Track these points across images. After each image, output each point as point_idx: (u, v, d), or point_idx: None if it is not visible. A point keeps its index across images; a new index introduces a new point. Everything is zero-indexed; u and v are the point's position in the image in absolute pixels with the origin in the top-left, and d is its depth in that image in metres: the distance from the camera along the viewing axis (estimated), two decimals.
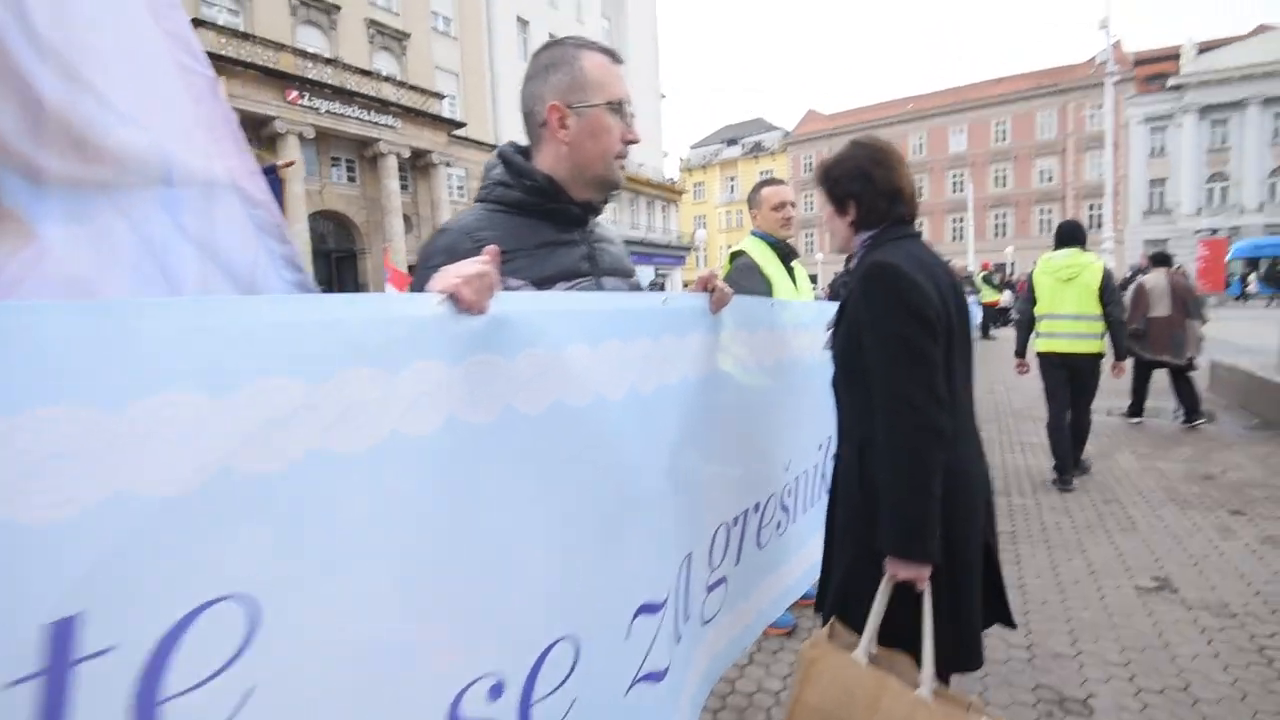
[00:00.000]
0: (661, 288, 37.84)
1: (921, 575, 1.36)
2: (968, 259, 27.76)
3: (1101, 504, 4.19)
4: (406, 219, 23.81)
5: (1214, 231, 31.24)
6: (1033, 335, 4.85)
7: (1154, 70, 38.68)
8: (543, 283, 1.21)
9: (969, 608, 1.46)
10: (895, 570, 1.38)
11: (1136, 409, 6.68)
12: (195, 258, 1.38)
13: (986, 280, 15.16)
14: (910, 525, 1.35)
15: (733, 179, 55.87)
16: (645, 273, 36.79)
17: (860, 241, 1.59)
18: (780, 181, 2.89)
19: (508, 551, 0.96)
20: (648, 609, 1.26)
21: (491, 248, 0.91)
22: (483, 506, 0.91)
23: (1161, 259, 6.61)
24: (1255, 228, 36.10)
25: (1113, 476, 4.78)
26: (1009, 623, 1.59)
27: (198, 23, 17.39)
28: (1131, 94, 38.48)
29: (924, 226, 46.03)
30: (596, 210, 1.35)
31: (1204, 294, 10.95)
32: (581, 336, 1.09)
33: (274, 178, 3.94)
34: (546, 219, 1.27)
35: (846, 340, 1.52)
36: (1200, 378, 8.36)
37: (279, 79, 19.01)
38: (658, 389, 1.28)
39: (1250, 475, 4.63)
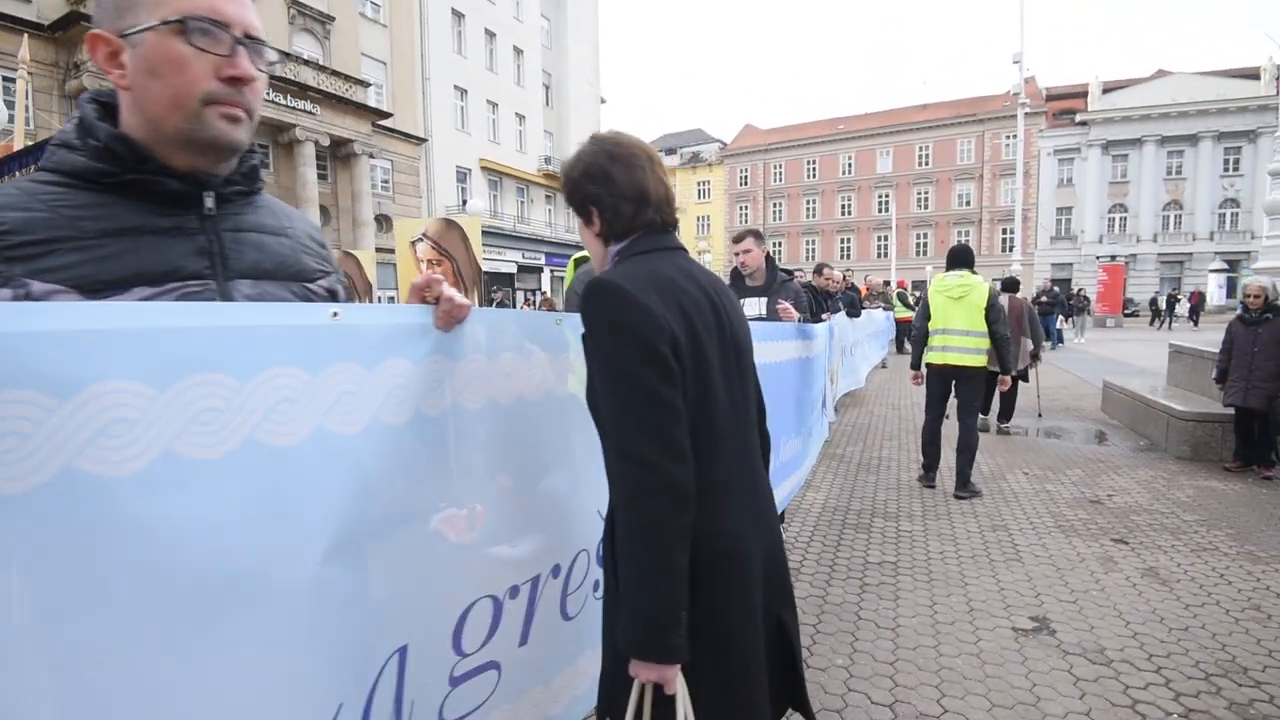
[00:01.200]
0: None
1: (666, 677, 1.04)
2: (890, 275, 28.60)
3: (989, 530, 4.07)
4: (324, 210, 22.73)
5: (1113, 258, 33.28)
6: (925, 349, 5.18)
7: (1064, 106, 41.13)
8: (106, 287, 0.81)
9: (744, 705, 1.15)
10: (637, 672, 1.05)
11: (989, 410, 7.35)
12: None
13: (900, 298, 15.57)
14: (645, 616, 1.03)
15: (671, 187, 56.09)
16: None
17: (612, 256, 1.27)
18: None
19: None
20: None
21: None
22: None
23: (1010, 285, 7.85)
24: (1149, 256, 38.87)
25: (1003, 499, 4.69)
26: (807, 714, 1.29)
27: None
28: (1043, 127, 40.77)
29: (851, 243, 47.58)
30: (212, 184, 0.93)
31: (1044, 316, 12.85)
32: (139, 369, 0.72)
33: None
34: (137, 197, 0.87)
35: (589, 381, 1.20)
36: (1094, 397, 8.66)
37: None
38: (320, 436, 0.91)
39: (1135, 500, 4.63)
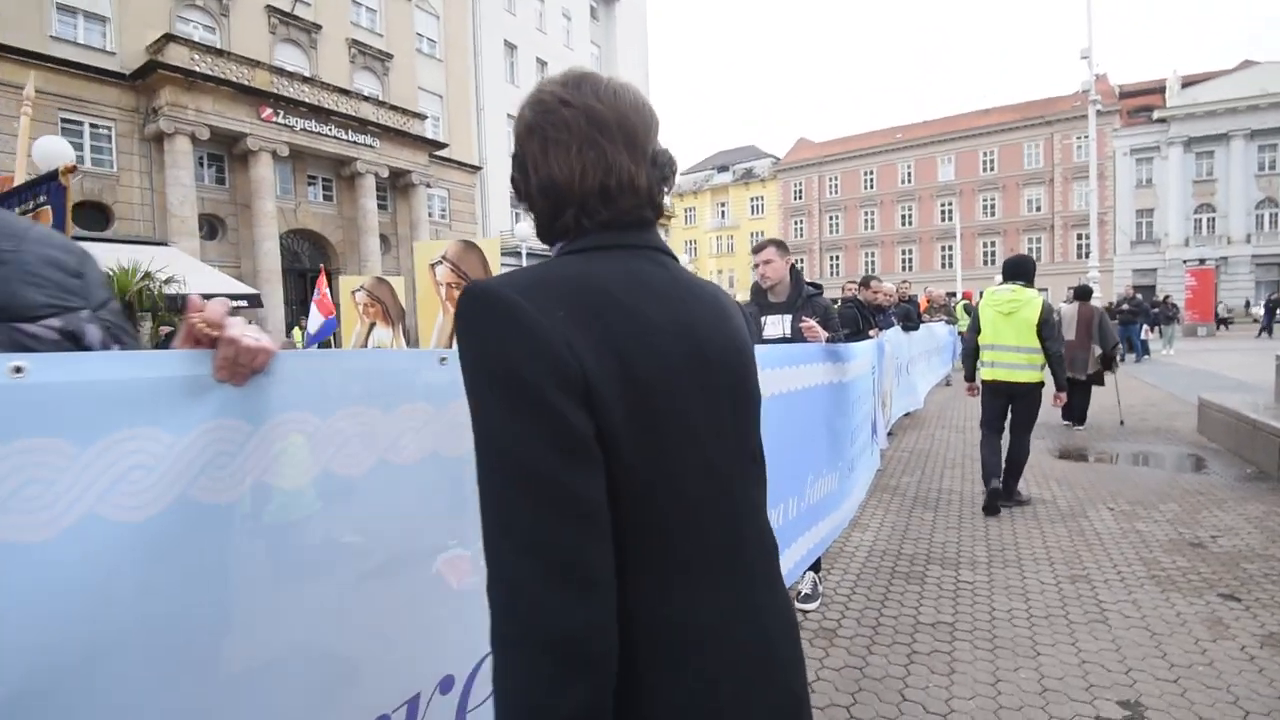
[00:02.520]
0: None
1: None
2: (956, 285, 27.24)
3: (1068, 582, 3.48)
4: (384, 239, 23.54)
5: (1201, 261, 30.89)
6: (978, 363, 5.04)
7: (1139, 103, 38.79)
8: None
9: None
10: None
11: (1068, 414, 7.64)
12: None
13: (966, 310, 14.59)
14: None
15: (723, 204, 55.74)
16: None
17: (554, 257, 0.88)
18: None
19: None
20: None
21: None
22: None
23: (1083, 293, 7.99)
24: (1242, 259, 35.93)
25: (1084, 541, 4.07)
26: None
27: (171, 38, 17.05)
28: (1117, 126, 38.54)
29: (913, 254, 45.92)
30: None
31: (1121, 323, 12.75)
32: None
33: (56, 185, 3.29)
34: None
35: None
36: (1188, 416, 7.75)
37: (253, 96, 18.64)
38: None
39: (1246, 543, 3.94)
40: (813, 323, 2.98)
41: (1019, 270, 4.90)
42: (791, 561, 2.85)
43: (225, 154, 19.45)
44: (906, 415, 8.02)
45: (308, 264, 22.14)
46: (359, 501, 0.96)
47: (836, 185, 49.62)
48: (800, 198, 51.32)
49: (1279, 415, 5.85)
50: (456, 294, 5.73)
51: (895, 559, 3.89)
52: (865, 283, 6.66)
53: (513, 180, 0.87)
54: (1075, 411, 7.71)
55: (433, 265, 5.51)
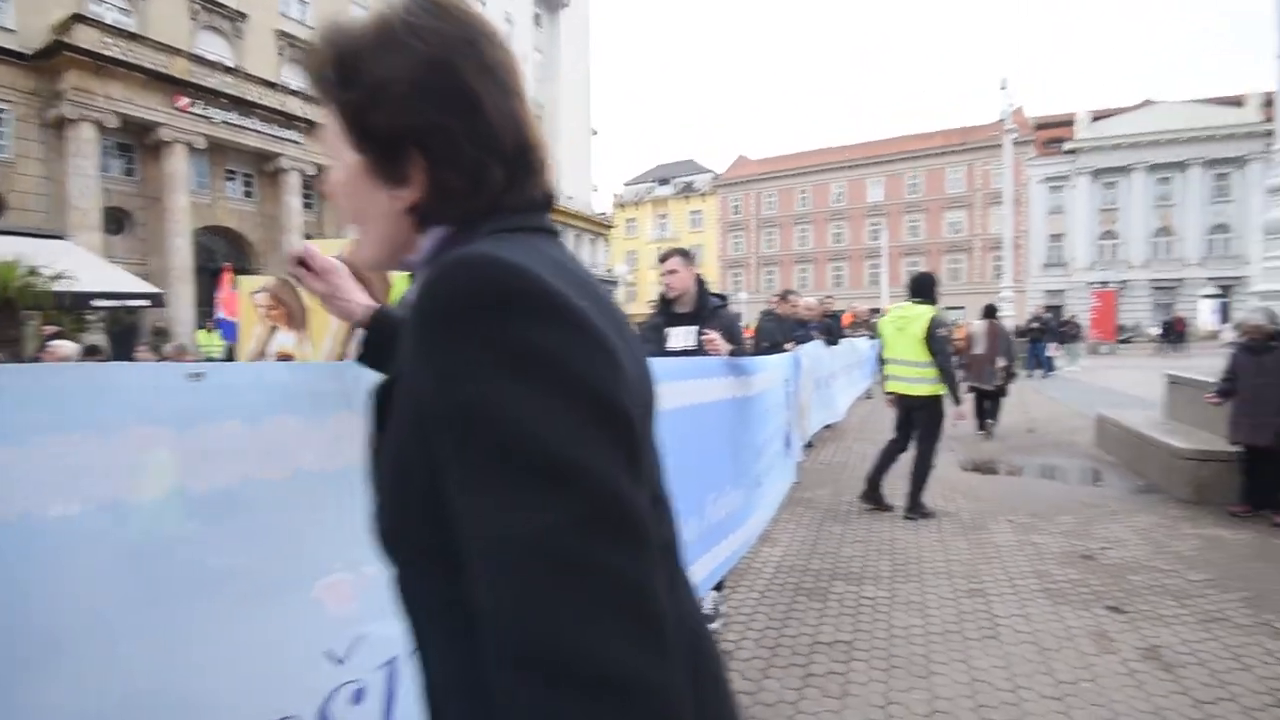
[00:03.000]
0: None
1: None
2: (881, 303, 28.19)
3: (965, 596, 3.51)
4: (309, 239, 22.46)
5: (1104, 284, 33.02)
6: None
7: (1053, 135, 41.32)
8: None
9: None
10: None
11: (981, 423, 8.60)
12: None
13: None
14: None
15: (664, 217, 56.19)
16: None
17: (431, 245, 0.65)
18: None
19: None
20: None
21: None
22: None
23: (990, 311, 8.84)
24: (1141, 283, 38.68)
25: (984, 554, 4.14)
26: None
27: (80, 19, 15.90)
28: (1032, 156, 40.92)
29: (844, 271, 47.44)
30: None
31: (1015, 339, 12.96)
32: None
33: None
34: None
35: (398, 477, 0.59)
36: (1088, 430, 8.15)
37: (170, 84, 17.59)
38: None
39: (1133, 554, 4.09)
40: (714, 335, 2.90)
41: (918, 287, 5.14)
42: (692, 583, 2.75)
43: (136, 144, 18.28)
44: (827, 427, 8.12)
45: (223, 263, 21.01)
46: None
47: (773, 202, 50.79)
48: (738, 213, 52.27)
49: (1168, 431, 6.18)
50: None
51: (801, 574, 3.85)
52: (784, 296, 6.71)
53: (416, 119, 0.59)
54: (988, 417, 8.56)
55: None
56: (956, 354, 6.70)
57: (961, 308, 38.91)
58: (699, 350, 3.03)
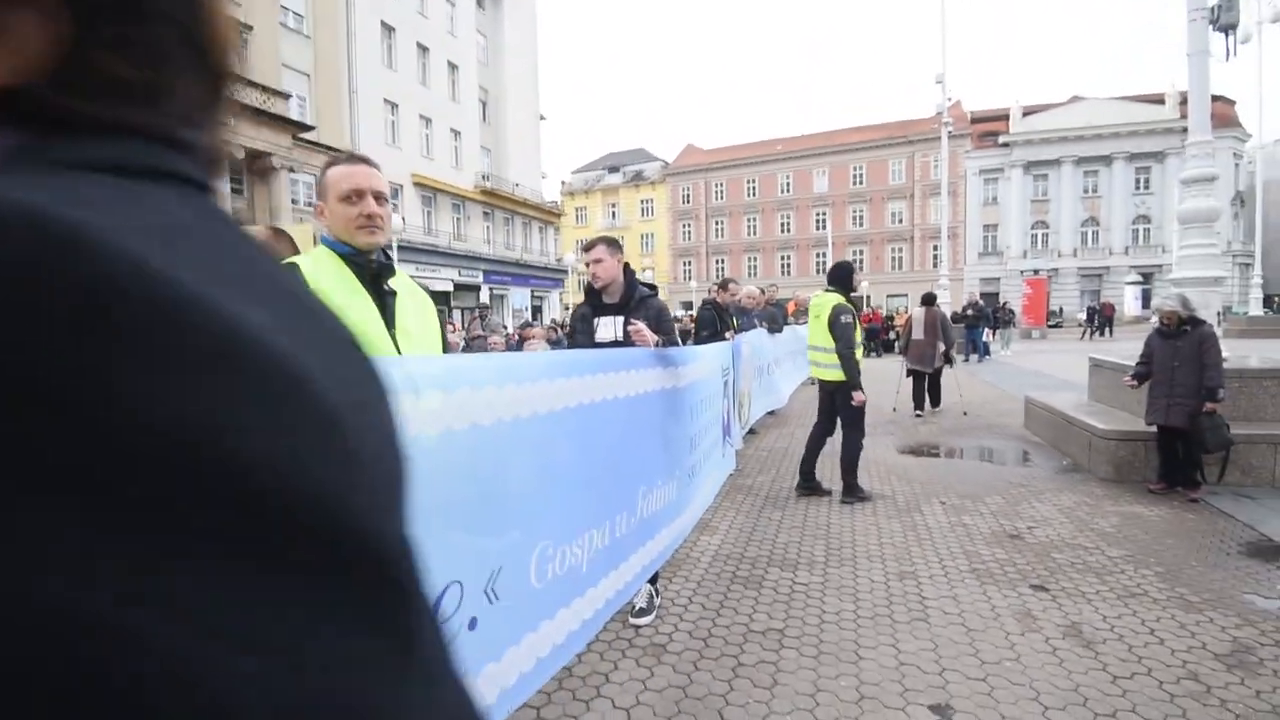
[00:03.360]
0: (538, 311, 36.46)
1: None
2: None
3: (896, 579, 3.54)
4: None
5: (1036, 272, 34.40)
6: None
7: (988, 128, 42.74)
8: None
9: None
10: None
11: (919, 405, 9.15)
12: None
13: None
14: None
15: (614, 205, 55.86)
16: (520, 295, 35.37)
17: None
18: (363, 159, 1.72)
19: None
20: None
21: None
22: None
23: (928, 299, 9.17)
24: (1070, 270, 40.50)
25: (916, 536, 4.20)
26: None
27: None
28: (969, 148, 42.25)
29: (791, 260, 48.12)
30: None
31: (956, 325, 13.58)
32: None
33: None
34: None
35: None
36: (1018, 413, 8.43)
37: None
38: None
39: (1057, 533, 4.21)
40: (640, 325, 2.80)
41: (834, 276, 5.27)
42: (626, 579, 2.66)
43: None
44: (770, 414, 8.17)
45: None
46: None
47: (722, 191, 51.09)
48: (688, 202, 52.39)
49: (1091, 412, 6.42)
50: None
51: (738, 563, 3.82)
52: (724, 285, 6.68)
53: None
54: (931, 399, 9.15)
55: None
56: (897, 339, 7.00)
57: (904, 295, 40.01)
58: (627, 341, 2.94)
